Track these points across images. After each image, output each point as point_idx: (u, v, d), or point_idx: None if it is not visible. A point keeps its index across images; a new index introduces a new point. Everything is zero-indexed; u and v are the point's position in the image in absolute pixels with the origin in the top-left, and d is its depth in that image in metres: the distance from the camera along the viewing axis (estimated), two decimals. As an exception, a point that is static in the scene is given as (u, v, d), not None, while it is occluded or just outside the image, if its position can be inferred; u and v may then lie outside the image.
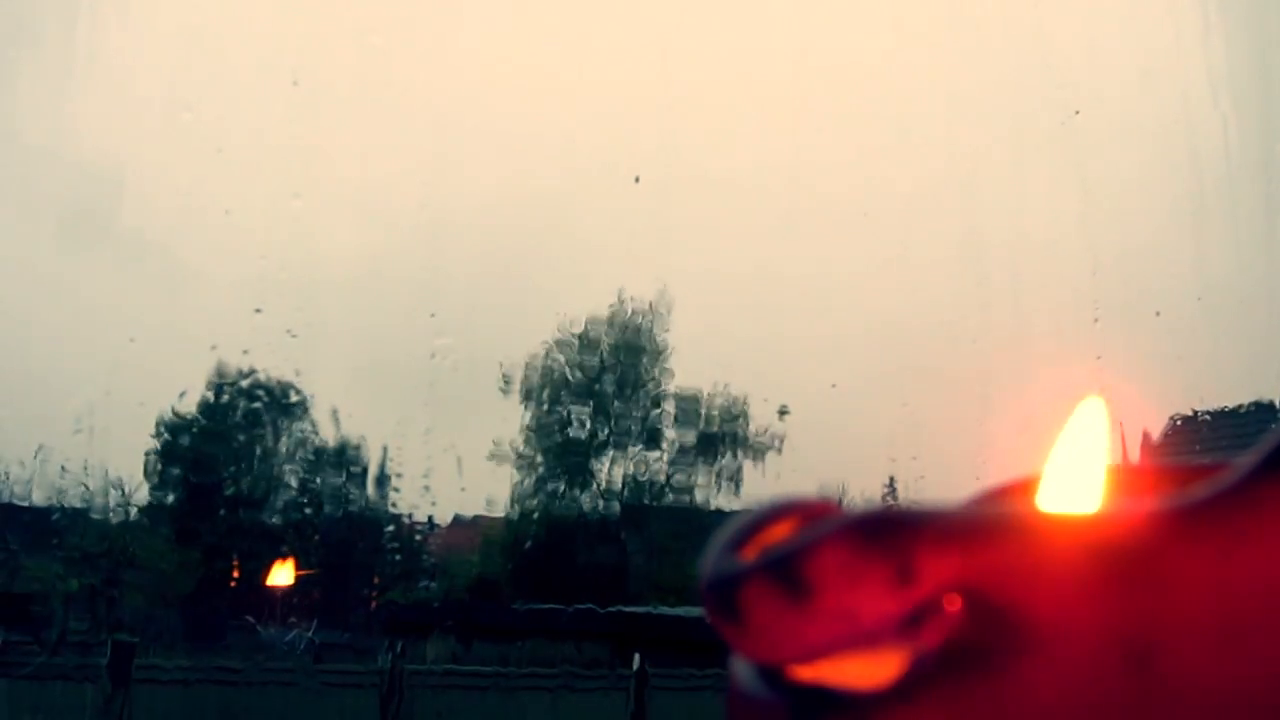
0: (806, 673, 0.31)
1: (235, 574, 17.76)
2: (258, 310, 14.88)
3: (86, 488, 15.56)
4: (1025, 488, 0.34)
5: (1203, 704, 0.27)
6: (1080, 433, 0.35)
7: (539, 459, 20.47)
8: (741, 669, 0.33)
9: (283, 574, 16.80)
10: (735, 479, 20.61)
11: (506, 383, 19.71)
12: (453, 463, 16.63)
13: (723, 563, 0.32)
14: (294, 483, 19.00)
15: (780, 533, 0.33)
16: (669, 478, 20.63)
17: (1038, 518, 0.30)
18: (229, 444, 18.46)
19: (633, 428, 20.71)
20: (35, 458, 15.41)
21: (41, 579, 15.08)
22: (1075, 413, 0.35)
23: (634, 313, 20.32)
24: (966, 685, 0.29)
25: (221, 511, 18.12)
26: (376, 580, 19.47)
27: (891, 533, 0.29)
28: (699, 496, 20.56)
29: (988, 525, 0.29)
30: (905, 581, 0.29)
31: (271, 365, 17.12)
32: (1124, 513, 0.29)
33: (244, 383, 17.96)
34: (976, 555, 0.29)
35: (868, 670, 0.30)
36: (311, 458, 18.97)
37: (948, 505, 0.30)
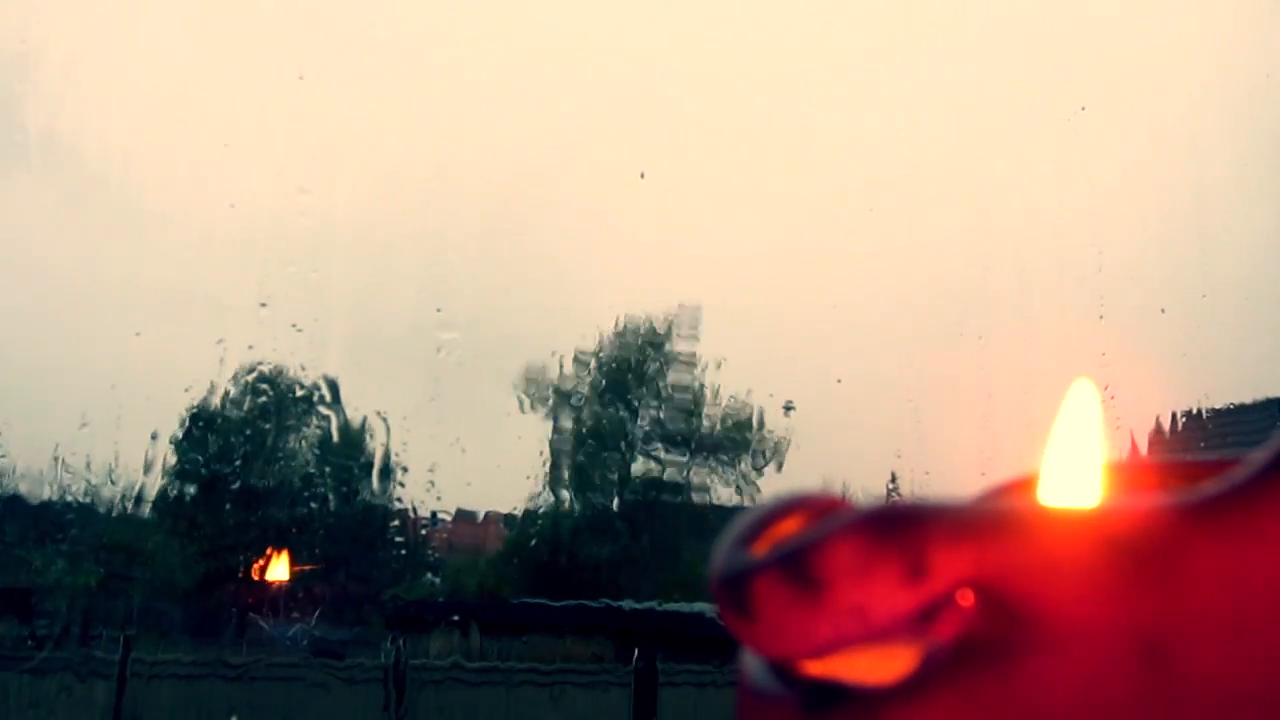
0: (817, 668, 0.31)
1: (239, 569, 17.80)
2: (263, 304, 14.88)
3: (90, 482, 15.60)
4: (1036, 483, 0.34)
5: (1217, 700, 0.27)
6: (1074, 422, 0.35)
7: (545, 454, 20.48)
8: (752, 664, 0.33)
9: (285, 569, 16.84)
10: (740, 475, 20.60)
11: (515, 379, 19.73)
12: (458, 458, 16.64)
13: (733, 558, 0.32)
14: (299, 477, 19.04)
15: (790, 528, 0.33)
16: (683, 474, 20.64)
17: (1050, 513, 0.30)
18: (234, 439, 18.49)
19: (639, 423, 20.72)
20: (40, 451, 15.44)
21: (44, 573, 15.12)
22: (1067, 400, 0.35)
23: (640, 310, 20.32)
24: (978, 681, 0.28)
25: (226, 506, 18.17)
26: (379, 575, 19.51)
27: (903, 527, 0.29)
28: (704, 493, 20.56)
29: (1000, 520, 0.29)
30: (917, 576, 0.29)
31: (277, 359, 17.15)
32: (1137, 508, 0.29)
33: (249, 377, 17.99)
34: (989, 550, 0.28)
35: (879, 665, 0.30)
36: (316, 452, 19.01)
37: (959, 500, 0.30)
